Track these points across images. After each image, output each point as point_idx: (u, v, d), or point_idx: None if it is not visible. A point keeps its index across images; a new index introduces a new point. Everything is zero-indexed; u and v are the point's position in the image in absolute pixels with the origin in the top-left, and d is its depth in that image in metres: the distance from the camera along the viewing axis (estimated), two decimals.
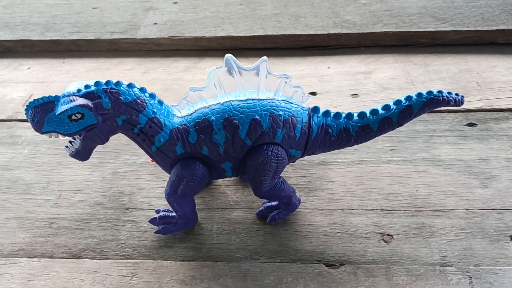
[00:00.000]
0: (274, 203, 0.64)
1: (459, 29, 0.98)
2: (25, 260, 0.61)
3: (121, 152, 0.78)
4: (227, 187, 0.70)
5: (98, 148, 0.78)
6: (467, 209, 0.64)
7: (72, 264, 0.61)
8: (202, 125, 0.55)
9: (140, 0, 1.21)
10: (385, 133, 0.59)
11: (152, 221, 0.64)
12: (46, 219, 0.67)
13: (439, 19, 1.02)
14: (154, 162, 0.61)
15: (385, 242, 0.61)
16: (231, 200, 0.68)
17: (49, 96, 0.52)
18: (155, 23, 1.11)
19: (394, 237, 0.61)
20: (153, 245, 0.63)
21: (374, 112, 0.57)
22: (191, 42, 1.07)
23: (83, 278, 0.59)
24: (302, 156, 0.59)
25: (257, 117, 0.54)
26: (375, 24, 1.03)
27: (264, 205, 0.65)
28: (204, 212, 0.67)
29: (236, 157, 0.56)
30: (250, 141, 0.55)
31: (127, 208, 0.68)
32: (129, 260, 0.61)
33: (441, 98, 0.56)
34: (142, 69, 1.02)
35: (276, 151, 0.55)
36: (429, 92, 0.56)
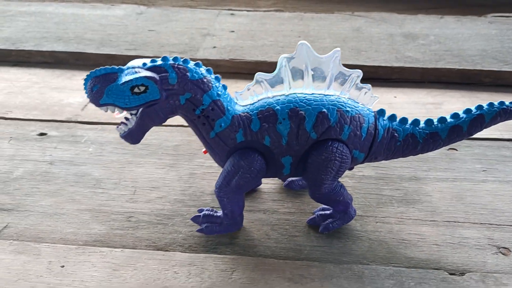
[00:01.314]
0: (328, 212, 0.59)
1: None
2: (106, 250, 0.55)
3: (194, 156, 0.74)
4: None
5: (170, 150, 0.74)
6: None
7: (161, 256, 0.54)
8: (266, 114, 0.51)
9: (196, 27, 1.22)
10: (453, 142, 0.56)
11: (195, 219, 0.58)
12: (122, 213, 0.62)
13: (501, 61, 1.03)
14: (207, 154, 0.56)
15: (503, 254, 0.56)
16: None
17: (112, 67, 0.48)
18: (214, 47, 1.11)
19: (511, 250, 0.56)
20: (247, 244, 0.57)
21: (442, 120, 0.55)
22: (251, 66, 1.06)
23: (177, 270, 0.52)
24: (363, 161, 0.56)
25: (324, 110, 0.51)
26: (437, 61, 1.03)
27: (316, 213, 0.60)
28: (296, 216, 0.62)
29: (298, 150, 0.52)
30: (316, 134, 0.51)
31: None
32: (225, 256, 0.54)
33: None
34: (251, 82, 0.99)
35: (341, 149, 0.52)
36: (501, 103, 0.54)
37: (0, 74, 1.02)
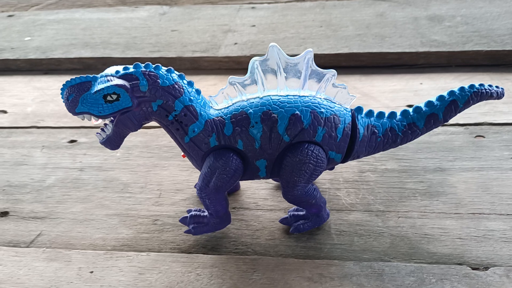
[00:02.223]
0: (302, 212, 0.59)
1: None
2: (133, 254, 0.57)
3: None
4: (338, 190, 0.65)
5: None
6: None
7: (185, 258, 0.56)
8: (239, 118, 0.51)
9: (217, 24, 1.22)
10: (430, 130, 0.56)
11: (183, 220, 0.59)
12: (149, 216, 0.64)
13: None
14: (186, 158, 0.57)
15: None
16: (345, 203, 0.63)
17: (86, 75, 0.49)
18: (236, 43, 1.11)
19: None
20: (268, 244, 0.58)
21: (417, 109, 0.55)
22: None
23: (199, 272, 0.54)
24: (345, 161, 0.56)
25: (297, 112, 0.50)
26: (465, 44, 1.00)
27: (289, 213, 0.60)
28: None
29: (272, 154, 0.52)
30: (289, 137, 0.51)
31: (234, 208, 0.64)
32: (246, 256, 0.56)
33: (484, 91, 0.54)
34: (225, 85, 1.01)
35: (316, 152, 0.51)
36: (471, 86, 0.54)
37: (32, 83, 1.07)
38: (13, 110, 0.95)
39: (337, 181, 0.67)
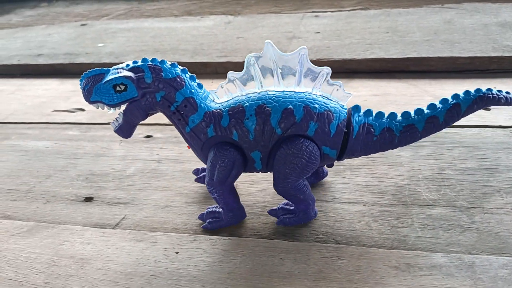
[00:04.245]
0: (291, 207, 0.59)
1: None
2: (215, 238, 0.58)
3: None
4: (418, 186, 0.64)
5: None
6: None
7: (266, 244, 0.57)
8: (236, 110, 0.54)
9: (282, 31, 1.25)
10: (431, 133, 0.55)
11: (200, 216, 0.61)
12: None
13: None
14: (190, 149, 0.59)
15: None
16: (427, 198, 0.62)
17: (101, 68, 0.54)
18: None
19: None
20: (349, 234, 0.57)
21: (419, 112, 0.54)
22: (339, 65, 1.06)
23: (283, 257, 0.54)
24: (342, 158, 0.56)
25: (290, 106, 0.52)
26: None
27: (279, 206, 0.60)
28: (398, 208, 0.61)
29: (265, 145, 0.53)
30: (281, 130, 0.52)
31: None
32: (328, 245, 0.55)
33: (490, 96, 0.53)
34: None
35: (310, 148, 0.52)
36: (478, 90, 0.53)
37: None
38: (90, 108, 1.00)
39: (416, 178, 0.66)
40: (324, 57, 1.07)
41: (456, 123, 0.78)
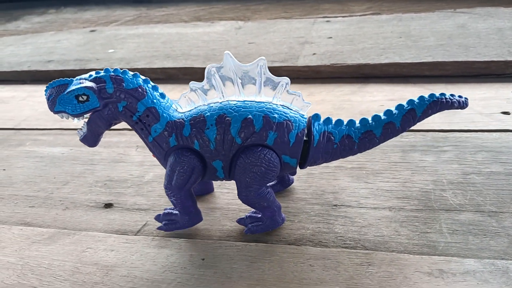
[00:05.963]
0: (259, 215, 0.59)
1: None
2: (241, 244, 0.58)
3: None
4: (443, 191, 0.64)
5: None
6: None
7: (294, 250, 0.56)
8: (197, 120, 0.54)
9: (293, 36, 1.25)
10: (389, 139, 0.56)
11: (157, 217, 0.62)
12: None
13: None
14: (155, 158, 0.59)
15: None
16: (453, 203, 0.61)
17: (65, 79, 0.54)
18: (314, 53, 1.13)
19: None
20: (377, 240, 0.57)
21: (376, 118, 0.55)
22: (353, 70, 1.06)
23: (312, 263, 0.53)
24: (304, 166, 0.56)
25: (250, 116, 0.53)
26: None
27: (246, 214, 0.60)
28: (425, 213, 0.60)
29: (226, 155, 0.54)
30: (241, 140, 0.53)
31: (335, 205, 0.63)
32: (358, 251, 0.55)
33: (444, 100, 0.54)
34: (306, 92, 1.02)
35: (269, 156, 0.53)
36: (431, 95, 0.54)
37: None
38: None
39: (441, 183, 0.65)
40: (338, 62, 1.07)
41: (476, 127, 0.79)
